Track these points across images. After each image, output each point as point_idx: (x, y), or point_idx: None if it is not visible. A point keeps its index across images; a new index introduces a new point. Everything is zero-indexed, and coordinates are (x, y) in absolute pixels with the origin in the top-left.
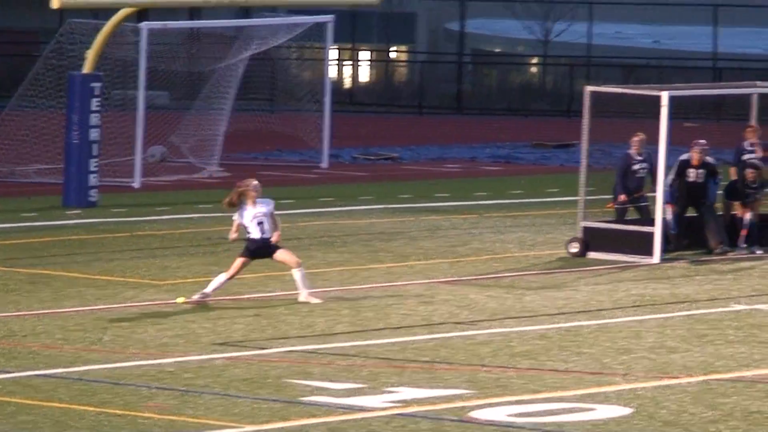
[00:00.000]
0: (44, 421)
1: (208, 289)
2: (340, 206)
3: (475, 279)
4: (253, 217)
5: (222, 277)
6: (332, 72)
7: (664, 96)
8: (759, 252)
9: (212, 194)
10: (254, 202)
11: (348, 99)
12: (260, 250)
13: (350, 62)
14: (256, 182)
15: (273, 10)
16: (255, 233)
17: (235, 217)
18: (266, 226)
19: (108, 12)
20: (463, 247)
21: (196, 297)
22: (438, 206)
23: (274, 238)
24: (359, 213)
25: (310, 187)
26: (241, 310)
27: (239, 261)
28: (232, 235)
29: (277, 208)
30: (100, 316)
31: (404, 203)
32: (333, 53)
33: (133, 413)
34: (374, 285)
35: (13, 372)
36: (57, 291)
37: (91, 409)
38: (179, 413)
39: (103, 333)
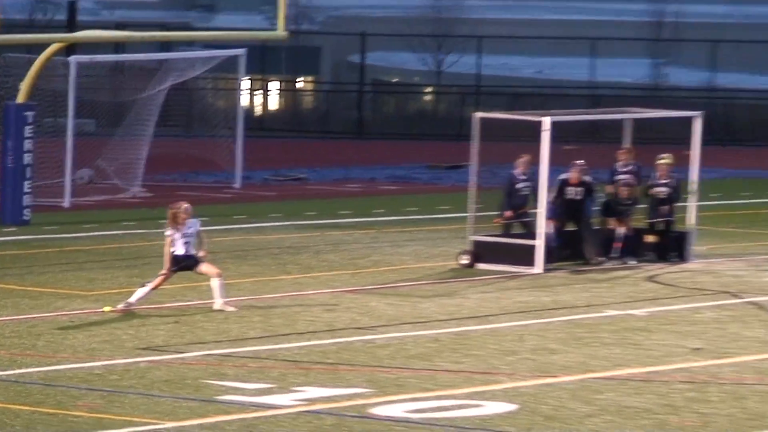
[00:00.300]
0: None
1: (133, 299)
2: (252, 223)
3: (374, 288)
4: (182, 236)
5: (146, 288)
6: (244, 101)
7: (546, 121)
8: (632, 262)
9: (136, 212)
10: (184, 223)
11: (259, 125)
12: (184, 265)
13: (261, 92)
14: (187, 205)
15: (190, 45)
16: (180, 250)
17: (168, 233)
18: (192, 244)
19: (40, 47)
20: (364, 260)
21: (121, 306)
22: (341, 222)
23: (201, 254)
24: (269, 229)
25: (225, 206)
26: (162, 317)
27: (163, 274)
28: (167, 264)
29: None
30: (34, 324)
31: (310, 220)
32: (245, 83)
33: (64, 412)
34: (283, 294)
35: None
36: None
37: (26, 408)
38: (106, 411)
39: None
